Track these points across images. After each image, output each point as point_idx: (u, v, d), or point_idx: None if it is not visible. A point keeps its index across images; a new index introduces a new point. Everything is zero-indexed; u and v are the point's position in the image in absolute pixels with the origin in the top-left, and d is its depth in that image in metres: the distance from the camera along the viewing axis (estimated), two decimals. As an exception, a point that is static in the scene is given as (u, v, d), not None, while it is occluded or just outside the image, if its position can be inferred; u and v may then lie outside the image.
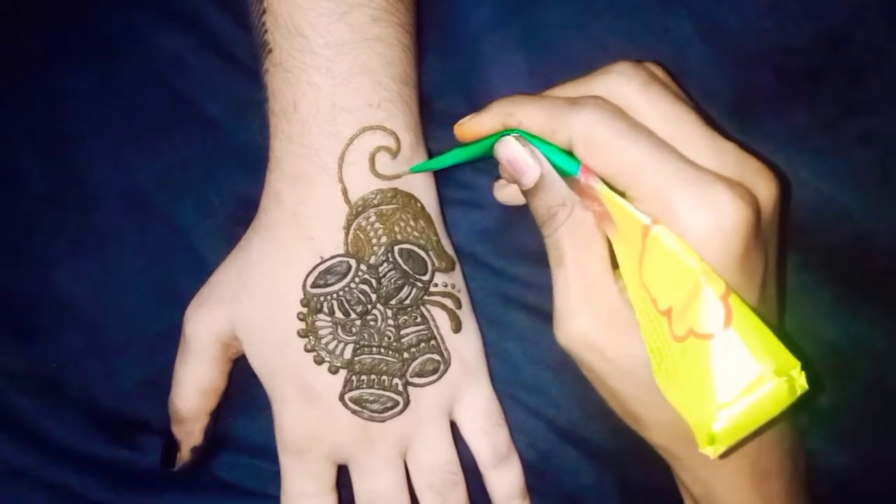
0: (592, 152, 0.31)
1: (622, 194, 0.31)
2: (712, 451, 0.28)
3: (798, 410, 0.31)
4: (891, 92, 0.40)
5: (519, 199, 0.39)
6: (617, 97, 0.32)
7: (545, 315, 0.41)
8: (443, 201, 0.40)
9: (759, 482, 0.35)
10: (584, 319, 0.32)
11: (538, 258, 0.41)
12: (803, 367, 0.27)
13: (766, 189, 0.31)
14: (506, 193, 0.40)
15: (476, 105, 0.41)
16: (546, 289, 0.40)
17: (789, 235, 0.38)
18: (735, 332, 0.28)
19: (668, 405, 0.31)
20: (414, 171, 0.37)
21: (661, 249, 0.29)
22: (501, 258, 0.41)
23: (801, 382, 0.27)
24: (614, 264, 0.33)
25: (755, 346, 0.27)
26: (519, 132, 0.33)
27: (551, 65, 0.40)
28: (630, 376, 0.32)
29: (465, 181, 0.42)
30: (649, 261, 0.30)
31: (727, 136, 0.32)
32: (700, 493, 0.36)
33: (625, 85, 0.32)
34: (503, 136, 0.33)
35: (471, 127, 0.35)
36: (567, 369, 0.41)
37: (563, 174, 0.32)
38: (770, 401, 0.27)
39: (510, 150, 0.33)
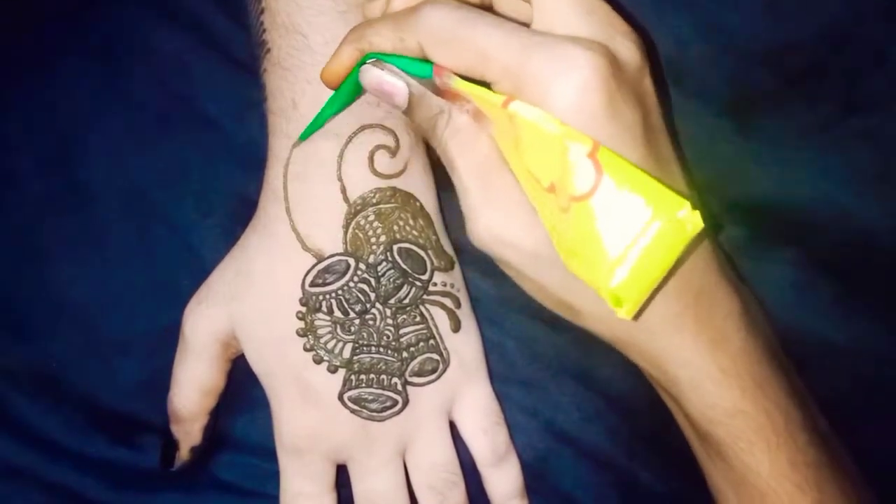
0: (441, 50, 0.31)
1: (484, 85, 0.30)
2: (624, 313, 0.27)
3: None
4: (891, 91, 0.40)
5: None
6: None
7: (544, 315, 0.41)
8: (442, 200, 0.40)
9: (707, 349, 0.33)
10: (489, 216, 0.32)
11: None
12: (695, 206, 0.26)
13: (626, 45, 0.30)
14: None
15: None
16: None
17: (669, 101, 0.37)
18: (610, 186, 0.26)
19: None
20: (302, 138, 0.37)
21: (525, 126, 0.28)
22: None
23: (696, 220, 0.26)
24: None
25: (633, 192, 0.26)
26: (375, 55, 0.33)
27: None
28: (549, 263, 0.31)
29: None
30: (523, 142, 0.29)
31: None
32: (662, 379, 0.34)
33: None
34: (361, 66, 0.33)
35: (332, 66, 0.34)
36: (566, 370, 0.41)
37: (422, 76, 0.32)
38: (663, 245, 0.26)
39: (372, 77, 0.33)
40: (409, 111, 0.33)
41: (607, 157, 0.27)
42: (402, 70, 0.32)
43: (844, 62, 0.40)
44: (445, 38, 0.30)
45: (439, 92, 0.32)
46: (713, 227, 0.27)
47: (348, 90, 0.34)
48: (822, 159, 0.40)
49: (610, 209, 0.27)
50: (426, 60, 0.31)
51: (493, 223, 0.32)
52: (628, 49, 0.30)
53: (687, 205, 0.26)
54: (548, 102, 0.28)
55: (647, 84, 0.31)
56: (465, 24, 0.30)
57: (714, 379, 0.33)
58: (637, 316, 0.28)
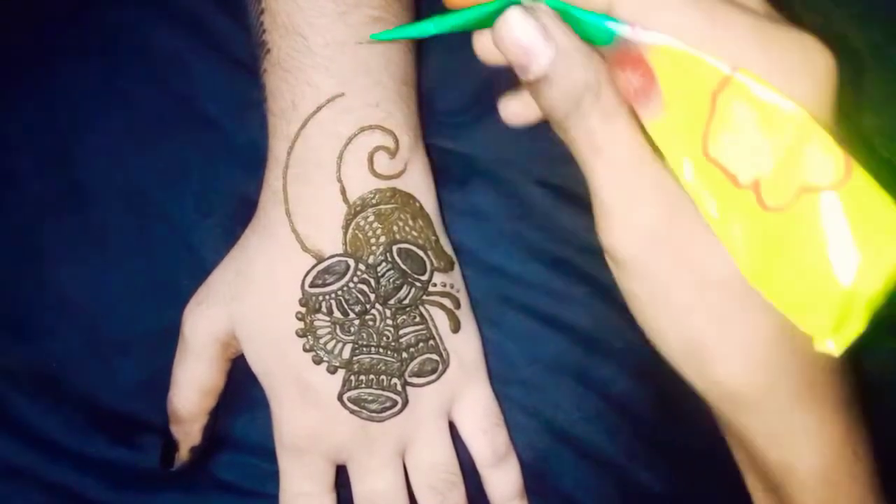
0: (640, 13, 0.25)
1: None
2: (839, 340, 0.23)
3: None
4: (890, 92, 0.40)
5: (530, 116, 0.33)
6: None
7: (544, 315, 0.41)
8: (441, 201, 0.40)
9: (846, 434, 0.29)
10: (647, 212, 0.26)
11: (538, 257, 0.41)
12: None
13: (831, 73, 0.26)
14: (514, 110, 0.33)
15: (477, 104, 0.41)
16: (546, 289, 0.41)
17: None
18: (856, 183, 0.22)
19: (754, 323, 0.26)
20: (374, 37, 0.30)
21: (745, 103, 0.24)
22: (501, 258, 0.41)
23: None
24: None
25: (881, 192, 0.22)
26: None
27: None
28: (707, 282, 0.26)
29: (466, 181, 0.41)
30: (722, 127, 0.24)
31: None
32: (779, 457, 0.29)
33: None
34: (506, 5, 0.25)
35: None
36: (566, 370, 0.41)
37: (600, 41, 0.26)
38: None
39: (516, 27, 0.25)
40: (541, 83, 0.26)
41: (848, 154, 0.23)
42: (577, 18, 0.25)
43: (843, 63, 0.39)
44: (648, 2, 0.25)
45: (612, 55, 0.26)
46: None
47: (469, 18, 0.27)
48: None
49: (854, 205, 0.22)
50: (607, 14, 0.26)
51: (654, 221, 0.26)
52: (832, 75, 0.26)
53: None
54: (773, 79, 0.24)
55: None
56: None
57: (849, 471, 0.29)
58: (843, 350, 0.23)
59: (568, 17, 0.26)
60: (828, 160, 0.23)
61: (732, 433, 0.30)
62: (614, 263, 0.28)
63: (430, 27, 0.27)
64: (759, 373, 0.27)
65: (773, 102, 0.23)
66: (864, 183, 0.22)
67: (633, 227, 0.26)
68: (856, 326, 0.23)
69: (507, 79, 0.39)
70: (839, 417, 0.29)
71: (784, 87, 0.24)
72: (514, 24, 0.25)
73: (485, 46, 0.31)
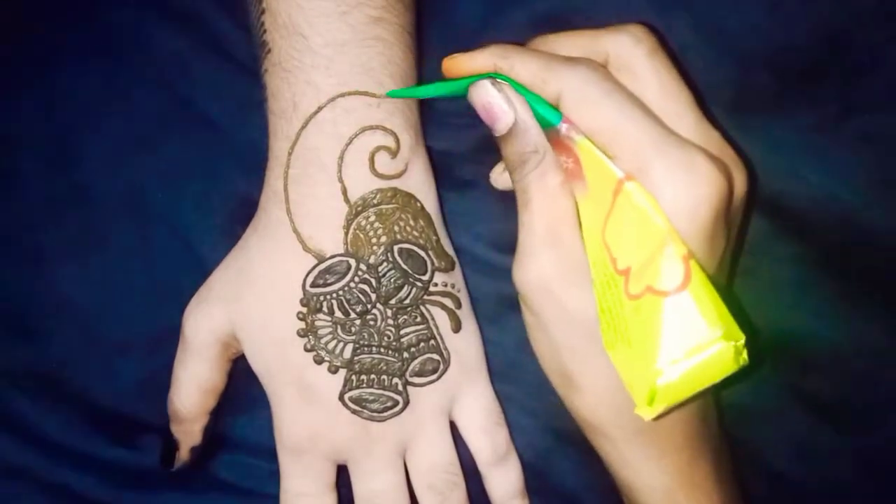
0: (580, 107, 0.31)
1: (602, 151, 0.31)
2: (650, 412, 0.28)
3: (721, 389, 0.31)
4: (890, 91, 0.40)
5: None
6: (622, 56, 0.33)
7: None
8: (442, 201, 0.40)
9: (687, 464, 0.35)
10: (545, 262, 0.33)
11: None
12: (746, 344, 0.28)
13: (740, 177, 0.32)
14: (504, 180, 0.39)
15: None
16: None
17: (745, 238, 0.39)
18: (690, 293, 0.28)
19: (608, 368, 0.31)
20: (391, 95, 0.37)
21: (630, 206, 0.30)
22: (502, 259, 0.41)
23: (744, 356, 0.27)
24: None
25: (708, 309, 0.27)
26: (505, 78, 0.33)
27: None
28: (577, 327, 0.32)
29: (466, 182, 0.42)
30: (616, 219, 0.30)
31: (714, 122, 0.33)
32: (628, 477, 0.35)
33: (633, 46, 0.32)
34: (482, 78, 0.33)
35: (462, 63, 0.34)
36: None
37: (545, 124, 0.32)
38: (715, 365, 0.27)
39: (484, 95, 0.33)
40: (503, 139, 0.34)
41: (695, 268, 0.28)
42: (529, 102, 0.33)
43: (843, 63, 0.40)
44: (590, 99, 0.31)
45: (552, 138, 0.33)
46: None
47: (457, 87, 0.35)
48: (823, 160, 0.40)
49: (681, 313, 0.28)
50: (554, 107, 0.32)
51: (546, 269, 0.33)
52: (740, 178, 0.32)
53: (743, 339, 0.27)
54: (660, 197, 0.30)
55: (740, 216, 0.33)
56: (614, 96, 0.31)
57: (686, 493, 0.35)
58: (656, 419, 0.29)
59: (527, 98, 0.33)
60: (672, 271, 0.28)
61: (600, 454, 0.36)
62: (519, 295, 0.34)
63: (432, 90, 0.36)
64: (609, 408, 0.33)
65: (647, 211, 0.29)
66: (688, 303, 0.28)
67: (531, 271, 0.33)
68: (659, 409, 0.28)
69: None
70: (680, 450, 0.34)
71: (669, 193, 0.30)
72: (486, 89, 0.33)
73: (501, 180, 0.40)
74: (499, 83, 0.33)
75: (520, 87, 0.33)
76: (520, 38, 0.40)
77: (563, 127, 0.32)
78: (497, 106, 0.33)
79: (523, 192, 0.33)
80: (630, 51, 0.32)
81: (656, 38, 0.33)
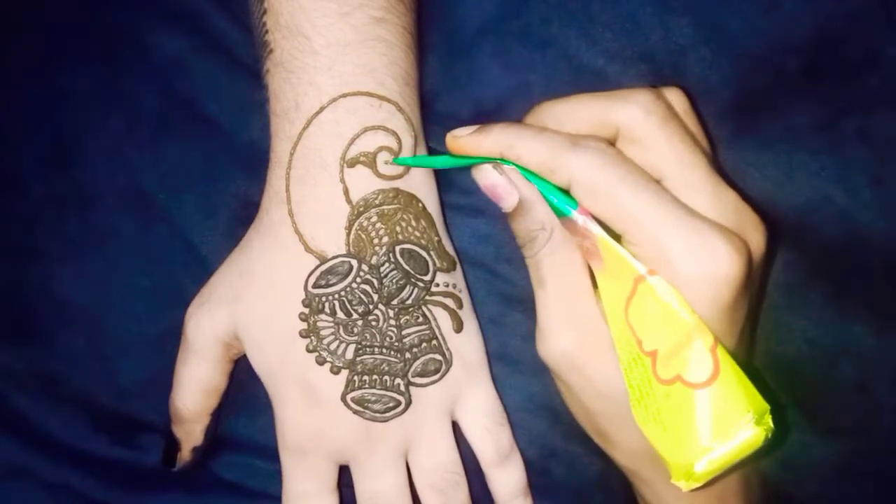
0: (591, 196, 0.32)
1: (617, 238, 0.32)
2: (685, 486, 0.30)
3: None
4: (886, 92, 0.40)
5: None
6: (634, 129, 0.32)
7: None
8: (445, 206, 0.40)
9: (717, 501, 0.37)
10: (565, 338, 0.34)
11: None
12: (771, 412, 0.30)
13: (757, 240, 0.33)
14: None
15: (476, 106, 0.41)
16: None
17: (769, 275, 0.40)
18: (720, 385, 0.30)
19: (637, 429, 0.32)
20: (397, 162, 0.37)
21: (653, 298, 0.31)
22: (503, 262, 0.41)
23: (770, 424, 0.30)
24: (594, 284, 0.34)
25: (738, 398, 0.29)
26: (514, 164, 0.34)
27: (551, 65, 0.40)
28: (604, 396, 0.34)
29: (467, 186, 0.42)
30: (638, 304, 0.31)
31: (729, 182, 0.33)
32: None
33: (643, 119, 0.32)
34: (487, 161, 0.34)
35: (467, 144, 0.35)
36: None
37: (559, 213, 0.33)
38: (747, 445, 0.30)
39: (488, 178, 0.34)
40: (511, 216, 0.34)
41: (723, 356, 0.30)
42: (541, 192, 0.33)
43: (840, 63, 0.40)
44: (600, 188, 0.31)
45: (567, 224, 0.33)
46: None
47: (462, 163, 0.35)
48: (818, 160, 0.40)
49: (713, 404, 0.30)
50: (568, 193, 0.33)
51: (569, 347, 0.34)
52: (758, 242, 0.33)
53: (768, 409, 0.30)
54: (682, 285, 0.30)
55: (760, 273, 0.34)
56: (625, 182, 0.31)
57: None
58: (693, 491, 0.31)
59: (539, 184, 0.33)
60: (701, 364, 0.30)
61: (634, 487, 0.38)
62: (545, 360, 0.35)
63: (438, 162, 0.37)
64: (644, 458, 0.35)
65: (672, 305, 0.30)
66: (719, 394, 0.30)
67: (554, 348, 0.34)
68: (695, 486, 0.30)
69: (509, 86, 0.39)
70: (707, 493, 0.36)
71: (691, 279, 0.30)
72: (488, 173, 0.34)
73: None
74: (501, 167, 0.34)
75: (530, 175, 0.33)
76: (520, 38, 0.40)
77: (580, 219, 0.32)
78: (500, 188, 0.34)
79: (536, 268, 0.34)
80: (641, 124, 0.32)
81: (664, 104, 0.33)
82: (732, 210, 0.32)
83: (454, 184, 0.41)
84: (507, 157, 0.34)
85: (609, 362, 0.33)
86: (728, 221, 0.32)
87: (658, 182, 0.32)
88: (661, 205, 0.31)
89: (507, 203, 0.34)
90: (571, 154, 0.32)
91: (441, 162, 0.37)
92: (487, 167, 0.34)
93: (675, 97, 0.34)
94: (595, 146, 0.32)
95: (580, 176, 0.32)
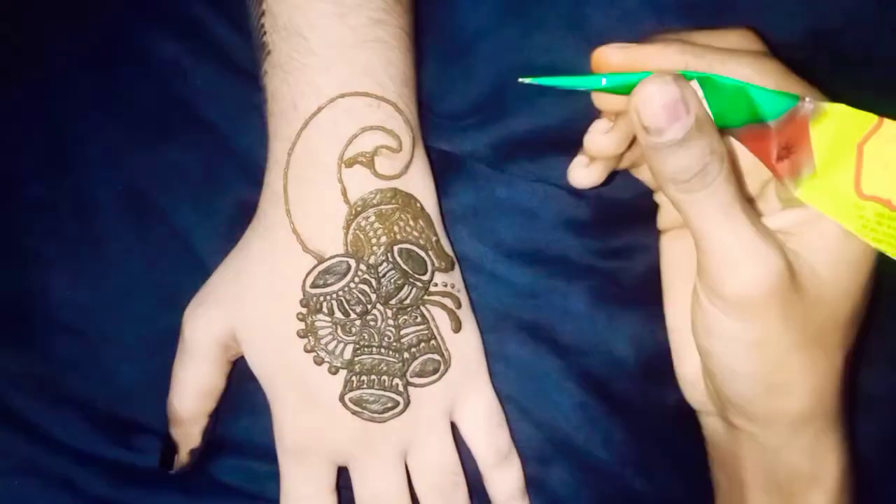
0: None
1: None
2: None
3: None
4: (880, 89, 0.40)
5: (596, 180, 0.36)
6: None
7: (543, 318, 0.41)
8: (443, 206, 0.40)
9: (850, 446, 0.36)
10: (773, 266, 0.31)
11: (537, 259, 0.41)
12: None
13: None
14: (582, 175, 0.36)
15: (474, 107, 0.41)
16: (546, 291, 0.41)
17: None
18: None
19: (827, 358, 0.32)
20: (535, 80, 0.32)
21: (892, 143, 0.30)
22: (499, 258, 0.41)
23: None
24: None
25: None
26: (702, 76, 0.30)
27: (550, 65, 0.40)
28: (807, 324, 0.31)
29: (465, 183, 0.42)
30: (874, 166, 0.30)
31: None
32: (811, 469, 0.35)
33: (752, 42, 0.34)
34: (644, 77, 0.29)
35: (637, 56, 0.31)
36: (565, 374, 0.41)
37: (780, 108, 0.30)
38: None
39: (670, 94, 0.28)
40: (675, 146, 0.29)
41: None
42: (753, 94, 0.30)
43: (834, 62, 0.40)
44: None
45: (784, 122, 0.30)
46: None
47: (618, 81, 0.31)
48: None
49: None
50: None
51: (777, 276, 0.31)
52: None
53: None
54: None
55: None
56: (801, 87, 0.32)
57: (851, 478, 0.36)
58: None
59: (739, 94, 0.30)
60: None
61: (747, 456, 0.36)
62: (723, 304, 0.32)
63: (578, 82, 0.31)
64: (819, 404, 0.33)
65: None
66: None
67: (758, 283, 0.31)
68: None
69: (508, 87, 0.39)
70: (846, 435, 0.35)
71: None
72: (664, 90, 0.28)
73: (581, 175, 0.36)
74: (682, 80, 0.29)
75: (733, 81, 0.30)
76: (519, 39, 0.41)
77: (807, 100, 0.30)
78: (682, 105, 0.28)
79: (714, 199, 0.30)
80: (752, 44, 0.34)
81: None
82: None
83: (454, 185, 0.41)
84: (695, 69, 0.30)
85: (814, 288, 0.31)
86: None
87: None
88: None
89: (685, 123, 0.28)
90: (762, 62, 0.32)
91: (580, 81, 0.31)
92: (667, 81, 0.28)
93: None
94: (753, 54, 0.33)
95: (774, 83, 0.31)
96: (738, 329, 0.32)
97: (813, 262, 0.32)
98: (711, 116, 0.30)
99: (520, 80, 0.31)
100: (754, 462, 0.36)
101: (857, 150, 0.30)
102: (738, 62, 0.32)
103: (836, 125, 0.30)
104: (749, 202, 0.34)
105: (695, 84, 0.30)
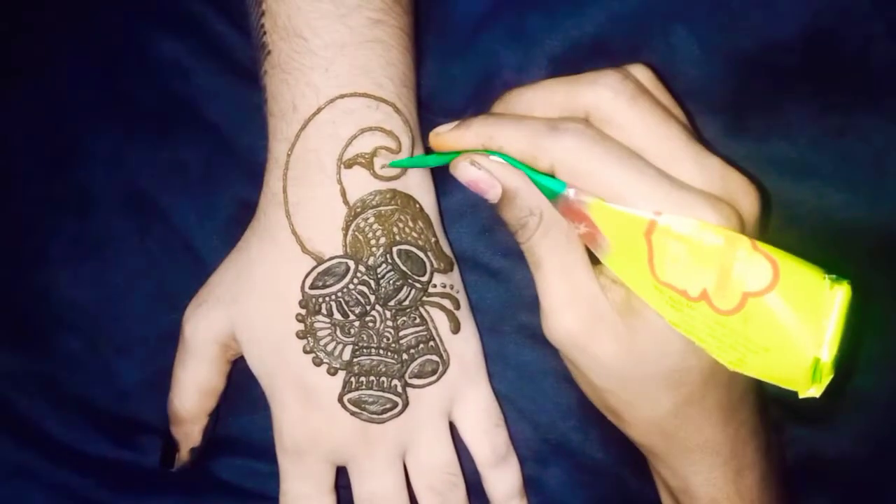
0: (575, 178, 0.31)
1: None
2: (819, 388, 0.29)
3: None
4: (876, 89, 0.40)
5: None
6: (604, 111, 0.32)
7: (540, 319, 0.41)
8: (441, 204, 0.40)
9: (734, 475, 0.36)
10: (568, 319, 0.33)
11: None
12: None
13: (749, 204, 0.32)
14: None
15: (474, 106, 0.41)
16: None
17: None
18: (787, 272, 0.28)
19: (648, 402, 0.33)
20: (392, 165, 0.37)
21: (673, 238, 0.30)
22: (502, 261, 0.41)
23: (839, 278, 0.29)
24: (593, 261, 0.34)
25: (806, 271, 0.29)
26: (498, 154, 0.33)
27: (548, 61, 0.40)
28: (611, 372, 0.34)
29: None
30: (662, 257, 0.30)
31: (710, 148, 0.32)
32: (678, 486, 0.37)
33: (612, 99, 0.32)
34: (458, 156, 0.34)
35: (448, 140, 0.34)
36: (562, 376, 0.41)
37: (551, 195, 0.32)
38: (843, 305, 0.28)
39: (467, 173, 0.33)
40: (498, 207, 0.34)
41: (766, 246, 0.29)
42: (530, 177, 0.32)
43: (830, 61, 0.40)
44: (582, 169, 0.31)
45: (559, 206, 0.32)
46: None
47: (446, 159, 0.35)
48: (810, 156, 0.40)
49: (795, 291, 0.28)
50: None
51: (573, 327, 0.33)
52: (749, 205, 0.32)
53: (824, 270, 0.29)
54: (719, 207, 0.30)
55: (756, 234, 0.33)
56: (607, 160, 0.31)
57: (732, 501, 0.37)
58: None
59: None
60: (757, 268, 0.29)
61: (648, 461, 0.39)
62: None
63: (427, 161, 0.37)
64: (658, 434, 0.36)
65: (694, 236, 0.29)
66: (792, 275, 0.29)
67: (558, 329, 0.34)
68: (827, 377, 0.29)
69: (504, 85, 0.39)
70: (726, 463, 0.36)
71: (716, 204, 0.30)
72: (467, 170, 0.33)
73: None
74: (477, 160, 0.33)
75: (516, 163, 0.33)
76: (519, 39, 0.40)
77: (571, 192, 0.31)
78: (482, 181, 0.33)
79: (530, 252, 0.34)
80: (610, 104, 0.32)
81: (632, 82, 0.32)
82: (718, 177, 0.32)
83: (451, 183, 0.41)
84: (490, 148, 0.33)
85: (614, 339, 0.33)
86: (715, 189, 0.31)
87: (640, 156, 0.31)
88: (646, 179, 0.30)
89: (492, 195, 0.33)
90: (551, 139, 0.31)
91: (432, 160, 0.36)
92: (464, 164, 0.33)
93: (641, 73, 0.33)
94: (574, 128, 0.31)
95: (562, 159, 0.31)
96: (568, 365, 0.36)
97: (629, 316, 0.33)
98: (524, 183, 0.33)
99: (391, 166, 0.37)
100: (652, 468, 0.39)
101: (646, 239, 0.30)
102: (553, 142, 0.31)
103: (612, 217, 0.31)
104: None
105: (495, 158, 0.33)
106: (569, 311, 0.33)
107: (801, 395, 0.29)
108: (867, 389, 0.42)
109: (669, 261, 0.30)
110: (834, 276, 0.29)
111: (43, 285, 0.42)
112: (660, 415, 0.34)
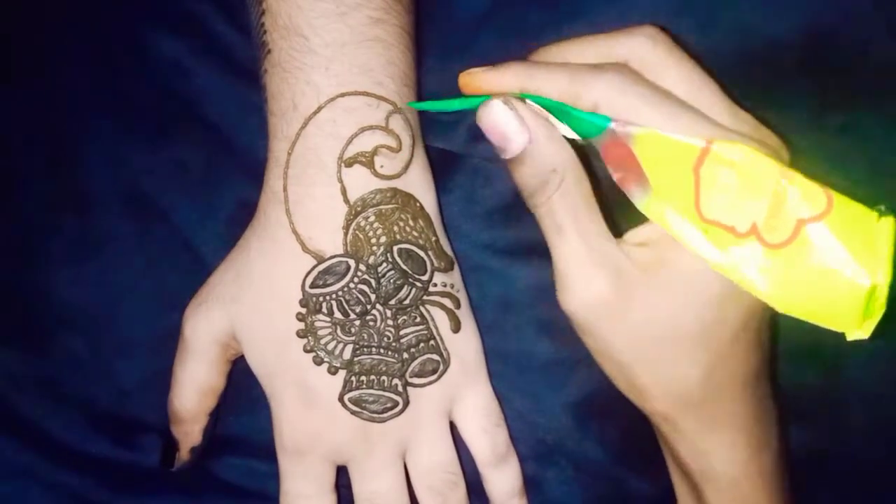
0: (620, 115, 0.30)
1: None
2: (868, 326, 0.28)
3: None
4: (875, 88, 0.40)
5: None
6: (642, 59, 0.32)
7: (540, 318, 0.41)
8: (442, 203, 0.40)
9: (756, 453, 0.36)
10: (598, 283, 0.32)
11: (536, 259, 0.41)
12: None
13: (783, 152, 0.32)
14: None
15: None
16: (543, 291, 0.41)
17: None
18: (839, 200, 0.28)
19: (674, 368, 0.32)
20: (411, 105, 0.36)
21: (726, 166, 0.29)
22: (502, 260, 0.41)
23: (891, 217, 0.29)
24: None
25: (856, 203, 0.28)
26: (533, 97, 0.32)
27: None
28: (641, 337, 0.32)
29: (464, 183, 0.42)
30: (710, 191, 0.29)
31: (741, 105, 0.32)
32: (697, 468, 0.36)
33: (651, 48, 0.32)
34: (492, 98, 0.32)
35: (483, 81, 0.33)
36: (561, 377, 0.41)
37: (594, 130, 0.31)
38: (892, 238, 0.28)
39: (497, 115, 0.31)
40: (516, 162, 0.32)
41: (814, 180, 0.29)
42: (569, 114, 0.31)
43: (830, 61, 0.40)
44: (626, 109, 0.30)
45: (606, 140, 0.31)
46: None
47: (472, 102, 0.33)
48: (810, 154, 0.40)
49: (849, 219, 0.28)
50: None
51: (603, 290, 0.32)
52: (784, 153, 0.32)
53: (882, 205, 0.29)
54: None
55: None
56: (651, 100, 0.30)
57: (753, 482, 0.36)
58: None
59: (562, 114, 0.31)
60: (812, 195, 0.28)
61: (664, 444, 0.37)
62: (573, 322, 0.33)
63: (451, 104, 0.35)
64: (684, 407, 0.34)
65: (748, 162, 0.29)
66: (844, 206, 0.28)
67: (584, 298, 0.32)
68: (879, 311, 0.28)
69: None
70: (746, 441, 0.35)
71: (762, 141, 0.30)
72: (494, 111, 0.31)
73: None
74: (511, 101, 0.31)
75: (552, 102, 0.32)
76: (518, 39, 0.40)
77: (616, 125, 0.30)
78: (511, 127, 0.31)
79: (549, 215, 0.32)
80: (649, 52, 0.32)
81: (669, 35, 0.32)
82: (752, 127, 0.32)
83: (451, 183, 0.41)
84: (527, 90, 0.32)
85: (644, 298, 0.31)
86: (750, 138, 0.31)
87: (681, 99, 0.31)
88: (691, 118, 0.30)
89: (515, 144, 0.31)
90: (594, 78, 0.31)
91: (457, 104, 0.34)
92: (496, 103, 0.31)
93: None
94: (615, 68, 0.31)
95: (605, 98, 0.30)
96: (590, 342, 0.34)
97: (659, 272, 0.32)
98: (550, 133, 0.31)
99: (408, 106, 0.36)
100: (666, 453, 0.38)
101: (694, 173, 0.30)
102: (596, 79, 0.31)
103: (660, 149, 0.30)
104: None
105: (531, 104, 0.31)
106: (599, 273, 0.31)
107: (850, 337, 0.28)
108: (868, 385, 0.42)
109: (718, 194, 0.29)
110: (881, 207, 0.28)
111: (43, 285, 0.42)
112: (689, 383, 0.33)
